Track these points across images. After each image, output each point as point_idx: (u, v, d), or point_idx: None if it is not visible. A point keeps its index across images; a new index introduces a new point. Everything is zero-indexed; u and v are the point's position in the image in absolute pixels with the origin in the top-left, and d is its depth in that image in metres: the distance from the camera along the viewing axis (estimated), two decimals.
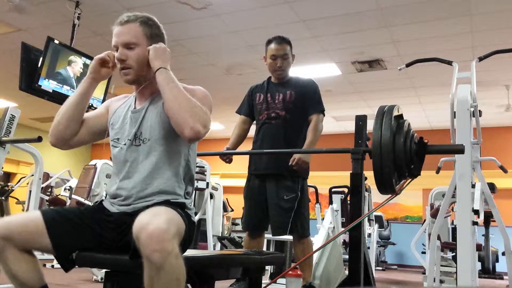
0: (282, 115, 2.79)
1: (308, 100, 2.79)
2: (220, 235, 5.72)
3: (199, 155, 2.75)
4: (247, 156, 2.94)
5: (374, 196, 6.00)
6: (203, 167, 4.95)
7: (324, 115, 2.82)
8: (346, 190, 5.15)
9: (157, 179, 1.57)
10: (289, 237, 3.17)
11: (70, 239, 1.53)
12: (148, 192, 1.57)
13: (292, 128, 2.78)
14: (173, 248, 1.27)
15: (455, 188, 2.51)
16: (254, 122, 2.98)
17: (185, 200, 1.62)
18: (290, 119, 2.78)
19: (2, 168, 3.27)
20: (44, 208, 1.60)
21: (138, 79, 1.64)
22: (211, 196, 5.49)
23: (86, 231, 1.54)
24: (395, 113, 1.91)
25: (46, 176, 6.63)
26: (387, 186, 1.87)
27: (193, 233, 1.61)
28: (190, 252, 1.64)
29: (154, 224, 1.26)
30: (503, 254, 3.14)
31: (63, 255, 1.55)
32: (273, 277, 3.37)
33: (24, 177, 7.63)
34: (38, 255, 5.28)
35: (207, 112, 1.55)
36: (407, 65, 3.14)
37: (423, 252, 6.14)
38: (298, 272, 2.16)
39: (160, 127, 1.58)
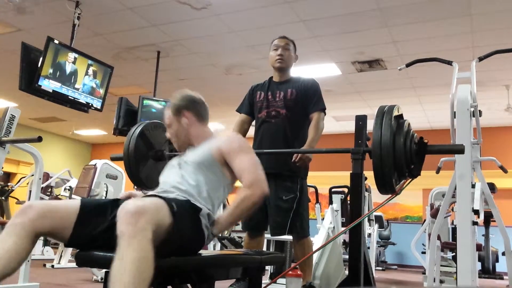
0: (283, 113, 2.77)
1: (309, 98, 2.78)
2: (220, 235, 5.72)
3: None
4: None
5: (374, 196, 6.00)
6: None
7: (325, 113, 2.81)
8: (346, 190, 5.15)
9: (188, 185, 1.73)
10: (289, 237, 3.17)
11: (87, 239, 1.56)
12: (175, 189, 1.72)
13: (292, 127, 2.76)
14: (145, 228, 1.31)
15: (455, 188, 2.52)
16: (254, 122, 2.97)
17: (203, 206, 1.67)
18: (291, 117, 2.76)
19: (2, 168, 3.27)
20: (85, 202, 1.61)
21: (183, 146, 1.94)
22: None
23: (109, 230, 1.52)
24: (395, 113, 1.91)
25: (46, 176, 6.63)
26: (387, 186, 1.87)
27: (187, 239, 1.57)
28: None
29: (133, 204, 1.35)
30: (503, 254, 3.14)
31: (71, 244, 1.60)
32: (273, 277, 3.37)
33: (24, 177, 7.63)
34: (38, 254, 5.27)
35: (254, 168, 1.80)
36: (407, 65, 3.14)
37: (423, 252, 6.14)
38: (298, 272, 2.16)
39: (199, 158, 1.80)
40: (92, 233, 1.55)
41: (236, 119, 2.99)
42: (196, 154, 1.82)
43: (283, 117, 2.77)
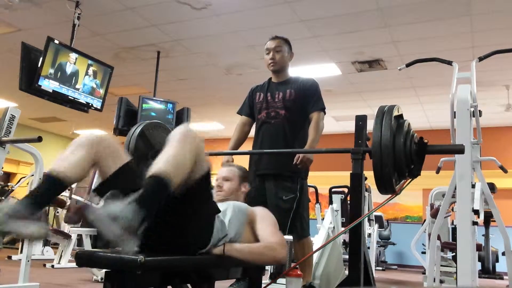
0: (282, 114, 2.78)
1: (308, 98, 2.78)
2: None
3: None
4: (248, 156, 2.94)
5: (374, 196, 6.00)
6: None
7: (324, 113, 2.81)
8: (346, 190, 5.15)
9: None
10: (289, 237, 3.17)
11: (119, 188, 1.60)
12: None
13: (291, 127, 2.76)
14: (190, 146, 1.48)
15: (455, 188, 2.51)
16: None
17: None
18: (290, 118, 2.77)
19: (2, 168, 3.27)
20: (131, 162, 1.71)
21: (224, 200, 2.05)
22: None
23: None
24: (395, 113, 1.91)
25: None
26: (387, 186, 1.87)
27: (196, 226, 1.63)
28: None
29: (186, 126, 1.55)
30: (503, 254, 3.14)
31: (104, 186, 1.63)
32: (273, 277, 3.37)
33: (24, 177, 7.62)
34: (38, 255, 5.26)
35: (274, 234, 1.84)
36: (407, 65, 3.13)
37: (423, 252, 6.14)
38: (298, 272, 2.16)
39: (234, 203, 1.96)
40: (126, 185, 1.58)
41: (237, 122, 3.00)
42: (231, 202, 2.00)
43: (282, 118, 2.77)
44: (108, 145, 1.61)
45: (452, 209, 3.58)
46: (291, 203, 2.67)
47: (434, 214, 4.80)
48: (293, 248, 2.85)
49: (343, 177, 3.20)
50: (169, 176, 1.40)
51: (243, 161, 2.90)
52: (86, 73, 4.52)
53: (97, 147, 1.58)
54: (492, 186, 3.48)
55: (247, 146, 2.96)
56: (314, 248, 2.99)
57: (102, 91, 4.70)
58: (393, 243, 8.42)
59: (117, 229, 1.24)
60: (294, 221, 2.67)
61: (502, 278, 6.35)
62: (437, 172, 3.37)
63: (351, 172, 2.02)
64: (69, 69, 4.33)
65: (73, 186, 5.82)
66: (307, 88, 2.81)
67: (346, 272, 2.01)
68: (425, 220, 5.60)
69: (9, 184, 8.47)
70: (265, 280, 2.71)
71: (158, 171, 1.40)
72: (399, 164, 1.84)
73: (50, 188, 1.46)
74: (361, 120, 2.08)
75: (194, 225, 1.59)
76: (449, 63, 2.96)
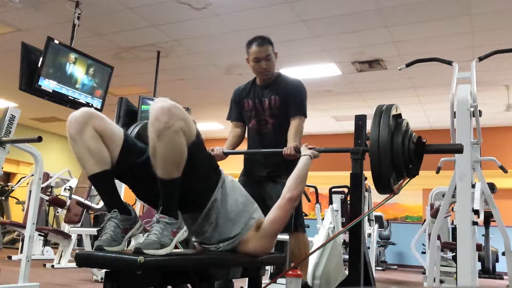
0: (271, 122, 2.79)
1: (290, 102, 2.77)
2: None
3: None
4: (242, 159, 2.94)
5: (374, 196, 6.00)
6: None
7: (306, 116, 2.80)
8: (346, 190, 5.15)
9: None
10: (285, 237, 3.16)
11: (130, 166, 1.67)
12: None
13: (281, 133, 2.76)
14: (173, 125, 1.46)
15: (455, 188, 2.52)
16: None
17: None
18: (278, 125, 2.78)
19: (2, 168, 3.27)
20: (127, 133, 1.74)
21: None
22: None
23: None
24: (393, 112, 1.91)
25: (46, 176, 6.63)
26: (385, 186, 1.87)
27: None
28: (190, 252, 1.64)
29: (171, 103, 1.50)
30: (503, 254, 3.15)
31: (118, 167, 1.65)
32: (273, 277, 3.37)
33: (24, 177, 7.63)
34: (38, 255, 5.27)
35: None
36: (407, 65, 3.14)
37: (423, 252, 6.14)
38: (298, 272, 2.16)
39: None
40: (135, 161, 1.65)
41: (230, 128, 3.00)
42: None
43: (272, 126, 2.79)
44: (101, 118, 1.65)
45: (452, 209, 3.58)
46: None
47: (434, 214, 4.80)
48: (290, 244, 2.84)
49: (343, 177, 3.21)
50: (175, 175, 1.52)
51: (239, 163, 2.91)
52: (86, 73, 4.52)
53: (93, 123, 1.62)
54: (492, 186, 3.48)
55: (244, 148, 2.97)
56: (314, 248, 2.98)
57: (102, 91, 4.70)
58: (393, 243, 8.42)
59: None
60: (297, 218, 2.68)
61: (502, 278, 6.35)
62: (437, 172, 3.37)
63: (351, 172, 2.02)
64: (69, 69, 4.33)
65: (73, 186, 5.82)
66: (290, 92, 2.79)
67: (346, 272, 2.01)
68: (425, 220, 5.60)
69: (9, 184, 8.49)
70: (265, 280, 2.71)
71: (164, 176, 1.51)
72: (397, 164, 1.84)
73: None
74: (360, 120, 2.08)
75: (194, 180, 1.64)
76: (449, 63, 2.96)
